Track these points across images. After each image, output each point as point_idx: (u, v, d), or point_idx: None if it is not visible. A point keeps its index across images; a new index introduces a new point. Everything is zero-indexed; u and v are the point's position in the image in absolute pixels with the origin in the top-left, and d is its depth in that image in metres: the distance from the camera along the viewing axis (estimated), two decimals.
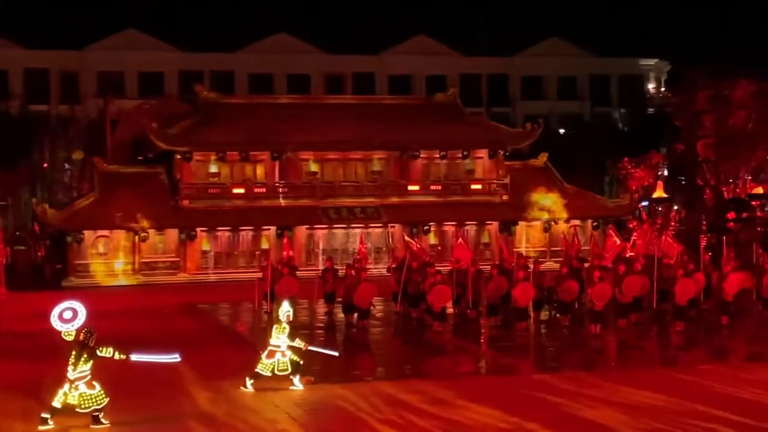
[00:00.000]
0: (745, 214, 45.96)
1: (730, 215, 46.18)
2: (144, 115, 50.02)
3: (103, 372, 14.99)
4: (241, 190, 47.39)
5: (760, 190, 49.14)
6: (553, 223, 49.45)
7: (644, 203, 54.92)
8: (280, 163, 48.06)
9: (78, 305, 14.90)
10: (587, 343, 23.71)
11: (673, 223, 47.30)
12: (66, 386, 14.56)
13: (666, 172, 61.09)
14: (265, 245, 45.78)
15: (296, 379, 17.37)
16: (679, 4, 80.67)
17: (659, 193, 49.78)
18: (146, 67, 72.70)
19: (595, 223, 49.45)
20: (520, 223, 49.44)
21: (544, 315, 26.99)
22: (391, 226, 46.84)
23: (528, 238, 49.48)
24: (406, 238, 31.76)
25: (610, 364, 20.37)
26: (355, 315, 26.96)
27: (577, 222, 48.92)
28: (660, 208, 51.66)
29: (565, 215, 49.15)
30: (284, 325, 17.32)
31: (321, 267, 34.44)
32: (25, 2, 75.56)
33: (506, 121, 63.65)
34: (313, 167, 48.68)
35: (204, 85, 55.92)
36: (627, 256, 29.71)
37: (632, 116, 73.69)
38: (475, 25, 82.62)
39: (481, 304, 28.13)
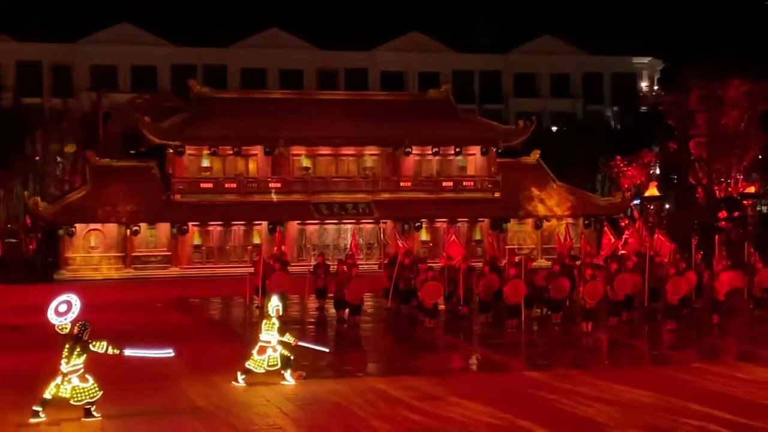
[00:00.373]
0: (736, 213, 46.09)
1: (722, 214, 46.31)
2: (137, 109, 49.99)
3: (95, 366, 14.97)
4: (233, 185, 47.38)
5: (751, 189, 49.33)
6: (545, 220, 49.52)
7: (636, 201, 55.04)
8: (273, 158, 48.06)
9: (73, 298, 14.87)
10: (579, 341, 23.73)
11: (665, 222, 47.38)
12: (58, 379, 14.55)
13: (658, 171, 61.20)
14: (256, 240, 45.82)
15: (288, 374, 17.36)
16: (673, 3, 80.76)
17: (651, 191, 49.89)
18: (139, 60, 72.61)
19: (587, 221, 49.56)
20: (511, 220, 49.53)
21: (535, 312, 27.00)
22: (383, 222, 46.88)
23: (520, 235, 49.57)
24: (399, 240, 31.73)
25: (602, 362, 20.38)
26: (347, 311, 26.98)
27: (569, 220, 49.03)
28: (652, 207, 51.76)
29: (557, 213, 49.22)
30: (274, 320, 17.30)
31: (312, 262, 34.47)
32: None
33: (499, 118, 63.75)
34: (305, 162, 48.69)
35: (197, 79, 55.90)
36: (619, 254, 29.77)
37: (625, 114, 73.83)
38: (471, 23, 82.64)
39: (472, 300, 28.19)
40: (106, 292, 35.41)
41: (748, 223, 46.52)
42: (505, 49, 79.57)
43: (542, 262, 39.05)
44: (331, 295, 28.80)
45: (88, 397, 14.54)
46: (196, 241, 46.48)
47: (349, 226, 47.16)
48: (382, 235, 45.60)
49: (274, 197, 47.52)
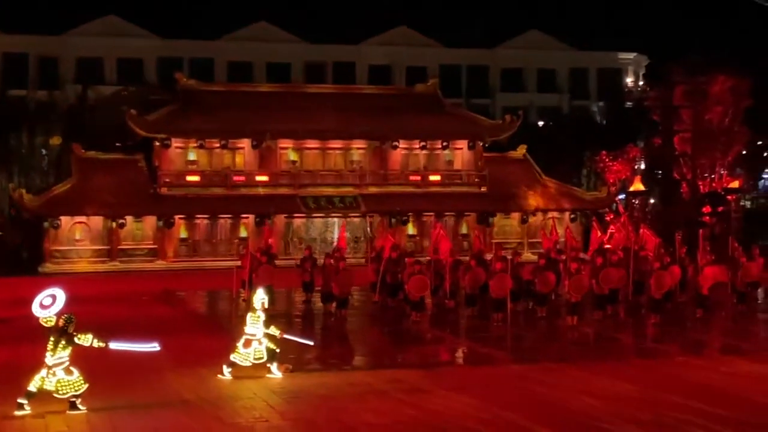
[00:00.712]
0: (720, 208, 46.27)
1: (706, 209, 46.48)
2: (123, 102, 49.90)
3: (81, 358, 14.96)
4: (220, 178, 47.31)
5: (735, 184, 49.49)
6: (530, 215, 49.65)
7: (621, 196, 55.20)
8: (260, 152, 48.03)
9: (57, 291, 14.86)
10: (564, 335, 23.84)
11: (650, 217, 47.56)
12: (43, 371, 14.53)
13: (643, 166, 61.39)
14: (243, 233, 45.77)
15: (274, 367, 17.38)
16: (659, 0, 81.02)
17: (636, 186, 50.05)
18: (126, 53, 72.40)
19: (572, 216, 49.72)
20: (498, 214, 49.64)
21: (521, 306, 27.09)
22: (370, 216, 46.92)
23: (506, 229, 49.69)
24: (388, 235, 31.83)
25: (587, 355, 20.47)
26: (334, 304, 27.03)
27: (555, 214, 49.17)
28: (636, 201, 51.92)
29: (542, 207, 49.36)
30: (259, 313, 17.31)
31: (299, 256, 34.48)
32: None
33: (486, 112, 63.84)
34: (293, 156, 48.67)
35: (184, 72, 55.76)
36: (605, 248, 29.89)
37: (610, 109, 73.99)
38: (459, 18, 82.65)
39: (458, 294, 28.28)
40: (91, 285, 35.31)
41: (732, 217, 46.69)
42: (493, 44, 79.67)
43: (528, 256, 39.13)
44: (318, 288, 28.85)
45: (73, 390, 14.53)
46: (183, 234, 46.42)
47: (336, 219, 47.18)
48: (369, 229, 45.64)
49: (261, 191, 47.48)
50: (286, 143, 48.51)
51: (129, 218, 45.58)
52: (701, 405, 14.88)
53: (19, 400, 14.51)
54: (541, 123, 71.42)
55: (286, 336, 17.97)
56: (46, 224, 44.66)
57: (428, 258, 29.97)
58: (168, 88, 54.91)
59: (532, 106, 74.15)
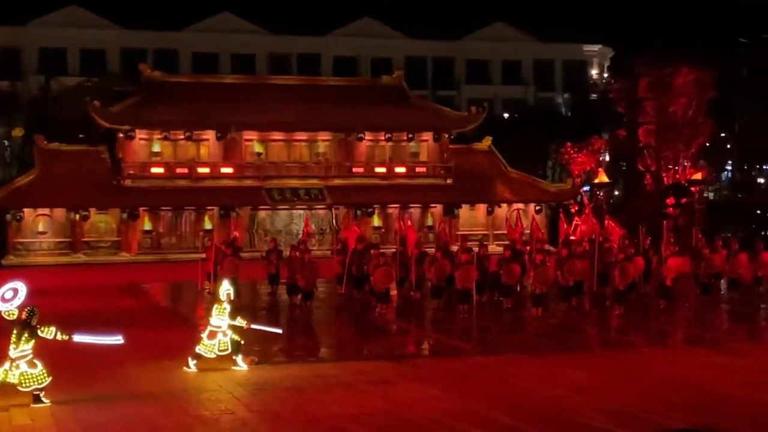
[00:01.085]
0: (684, 200, 46.61)
1: (670, 201, 46.79)
2: (86, 93, 49.46)
3: (44, 351, 14.84)
4: (185, 170, 47.05)
5: (699, 176, 49.86)
6: (496, 206, 49.83)
7: (586, 188, 55.50)
8: (224, 143, 47.80)
9: (19, 284, 14.73)
10: (529, 326, 23.97)
11: (616, 208, 47.89)
12: (7, 365, 14.42)
13: (608, 158, 61.75)
14: (208, 226, 45.57)
15: (239, 359, 17.33)
16: None
17: (601, 178, 50.33)
18: (89, 44, 71.72)
19: (537, 207, 49.92)
20: (463, 206, 49.75)
21: (487, 298, 27.18)
22: (335, 208, 46.86)
23: (471, 221, 49.83)
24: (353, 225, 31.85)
25: (553, 346, 20.58)
26: (299, 296, 26.98)
27: (520, 206, 49.37)
28: (601, 193, 52.21)
29: (508, 199, 49.55)
30: (225, 305, 17.25)
31: (264, 248, 34.38)
32: None
33: (451, 104, 63.93)
34: (258, 148, 48.49)
35: (147, 63, 55.30)
36: (570, 239, 30.05)
37: (575, 102, 74.37)
38: (424, 9, 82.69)
39: (424, 286, 28.32)
40: (55, 278, 35.00)
41: (696, 209, 47.05)
42: (458, 36, 79.75)
43: (494, 248, 39.27)
44: (284, 280, 28.78)
45: (36, 383, 14.43)
46: (147, 226, 46.12)
47: (301, 211, 47.06)
48: (334, 221, 45.56)
49: (226, 183, 47.25)
50: (251, 135, 48.31)
51: (92, 210, 45.22)
52: (666, 395, 15.01)
53: None
54: (506, 115, 71.65)
55: (253, 326, 17.94)
56: (8, 217, 44.19)
57: (394, 250, 29.98)
58: (132, 79, 54.48)
59: (498, 98, 74.37)
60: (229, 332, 17.22)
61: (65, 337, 14.87)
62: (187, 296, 31.40)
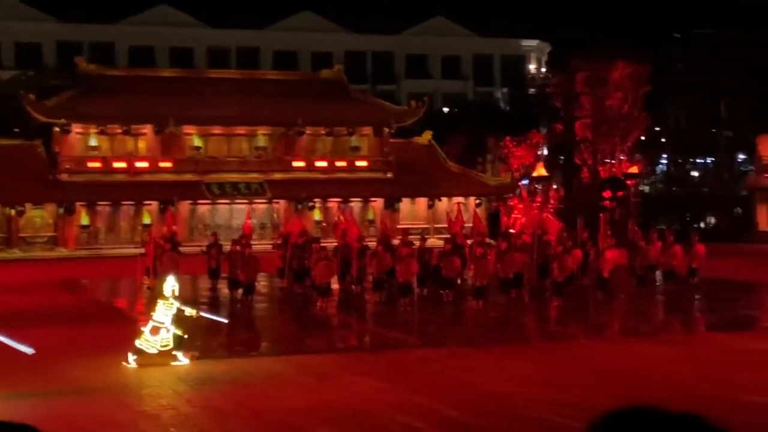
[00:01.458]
0: (620, 193, 47.23)
1: (607, 194, 47.39)
2: (21, 87, 48.65)
3: None
4: (123, 164, 46.54)
5: (634, 169, 50.58)
6: (436, 200, 50.05)
7: (525, 181, 56.01)
8: (163, 137, 47.37)
9: None
10: (470, 319, 24.13)
11: (553, 201, 48.34)
12: None
13: (546, 152, 62.36)
14: (147, 220, 45.13)
15: (180, 354, 17.21)
16: None
17: (539, 171, 50.82)
18: (24, 37, 70.52)
19: (477, 201, 50.25)
20: (404, 199, 49.89)
21: (428, 291, 27.30)
22: (276, 202, 46.71)
23: (412, 214, 50.00)
24: (294, 219, 31.78)
25: (494, 338, 20.74)
26: (240, 291, 26.87)
27: (460, 199, 49.64)
28: (539, 187, 52.71)
29: (448, 192, 49.80)
30: (171, 300, 17.13)
31: (205, 242, 34.15)
32: None
33: (391, 98, 63.98)
34: (197, 142, 48.13)
35: (84, 56, 54.57)
36: (509, 232, 30.33)
37: (514, 96, 74.96)
38: (364, 3, 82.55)
39: (365, 279, 28.38)
40: None
41: (631, 202, 47.76)
42: (398, 30, 79.85)
43: (434, 242, 39.46)
44: (225, 275, 28.64)
45: None
46: (84, 221, 45.54)
47: (241, 206, 46.81)
48: (275, 215, 45.40)
49: (165, 177, 46.83)
50: (190, 129, 47.93)
51: (28, 205, 44.54)
52: (605, 385, 15.21)
53: None
54: (446, 109, 71.97)
55: (203, 314, 17.88)
56: None
57: (335, 244, 29.99)
58: (68, 72, 53.70)
59: (438, 92, 74.67)
60: (172, 328, 17.10)
61: None
62: (126, 292, 31.10)
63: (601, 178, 52.03)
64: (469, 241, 29.85)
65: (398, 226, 43.60)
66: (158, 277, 27.39)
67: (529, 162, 58.04)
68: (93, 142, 46.56)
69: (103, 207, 45.90)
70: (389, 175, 50.20)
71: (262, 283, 28.87)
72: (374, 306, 26.25)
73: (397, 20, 79.10)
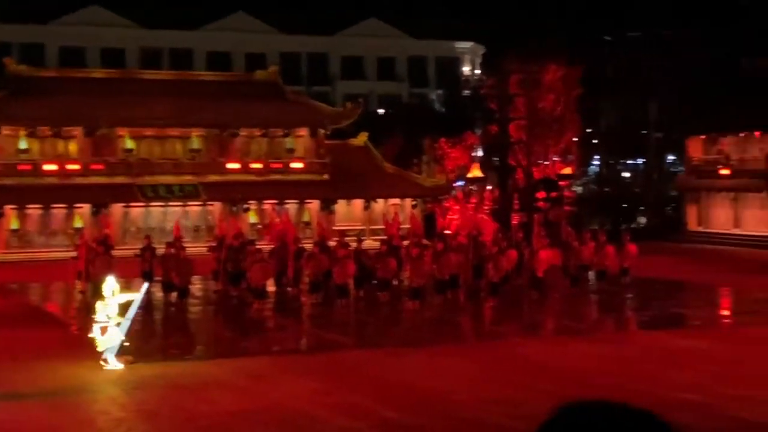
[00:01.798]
0: (554, 194, 47.74)
1: (540, 195, 47.86)
2: None
3: None
4: (53, 167, 45.78)
5: (567, 170, 51.16)
6: (372, 201, 50.10)
7: (460, 183, 56.31)
8: (94, 140, 46.68)
9: None
10: (407, 319, 24.20)
11: (488, 203, 48.66)
12: None
13: (481, 153, 62.76)
14: (79, 223, 44.43)
15: (112, 358, 16.99)
16: None
17: (474, 172, 51.15)
18: None
19: (413, 202, 50.37)
20: (340, 201, 49.84)
21: (364, 292, 27.32)
22: (210, 205, 46.34)
23: (348, 216, 49.98)
24: (229, 221, 31.57)
25: (430, 338, 20.83)
26: (175, 294, 26.61)
27: (396, 201, 49.76)
28: (474, 188, 53.03)
29: (384, 194, 49.89)
30: (110, 300, 16.96)
31: (138, 245, 33.75)
32: None
33: (327, 100, 63.86)
34: (129, 144, 47.51)
35: (13, 57, 53.60)
36: (445, 233, 30.47)
37: (448, 98, 75.31)
38: (297, 4, 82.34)
39: (302, 281, 28.30)
40: None
41: (565, 203, 48.24)
42: (332, 32, 79.77)
43: (371, 243, 39.48)
44: (158, 278, 28.33)
45: None
46: (13, 225, 44.68)
47: (175, 208, 46.35)
48: (210, 217, 45.03)
49: (96, 179, 46.17)
50: (122, 131, 47.30)
51: None
52: (538, 382, 15.36)
53: None
54: (381, 111, 72.08)
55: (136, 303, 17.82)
56: None
57: (271, 246, 29.84)
58: None
59: (373, 93, 74.75)
60: (117, 319, 16.99)
61: None
62: (58, 295, 30.62)
63: (535, 180, 52.57)
64: (405, 243, 29.91)
65: (334, 228, 43.53)
66: (90, 280, 27.05)
67: (464, 163, 58.32)
68: (23, 144, 45.71)
69: (34, 210, 45.09)
70: (325, 176, 50.09)
71: (196, 285, 28.63)
72: (311, 308, 26.19)
73: (331, 22, 79.01)
